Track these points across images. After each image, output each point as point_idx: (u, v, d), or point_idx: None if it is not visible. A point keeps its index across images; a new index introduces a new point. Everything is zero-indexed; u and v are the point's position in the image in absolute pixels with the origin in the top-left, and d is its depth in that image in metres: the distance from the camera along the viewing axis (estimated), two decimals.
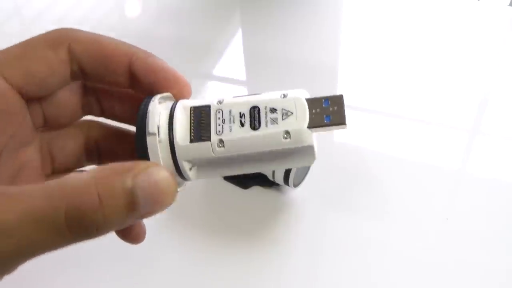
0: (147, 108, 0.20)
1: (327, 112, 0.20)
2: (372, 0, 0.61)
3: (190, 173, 0.20)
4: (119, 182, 0.17)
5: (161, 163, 0.20)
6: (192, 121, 0.20)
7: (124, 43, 0.23)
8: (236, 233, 0.38)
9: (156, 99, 0.21)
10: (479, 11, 0.59)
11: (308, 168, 0.39)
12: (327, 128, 0.20)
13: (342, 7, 0.63)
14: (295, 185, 0.39)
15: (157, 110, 0.20)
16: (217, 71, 0.54)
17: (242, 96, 0.21)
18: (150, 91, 0.22)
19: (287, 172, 0.37)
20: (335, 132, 0.46)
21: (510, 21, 0.58)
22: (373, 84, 0.50)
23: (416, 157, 0.43)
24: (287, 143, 0.20)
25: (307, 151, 0.20)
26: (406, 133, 0.46)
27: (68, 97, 0.23)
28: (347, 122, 0.20)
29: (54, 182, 0.17)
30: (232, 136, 0.20)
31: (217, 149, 0.20)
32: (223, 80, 0.54)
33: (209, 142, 0.20)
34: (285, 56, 0.53)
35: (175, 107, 0.21)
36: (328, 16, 0.60)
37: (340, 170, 0.42)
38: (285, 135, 0.20)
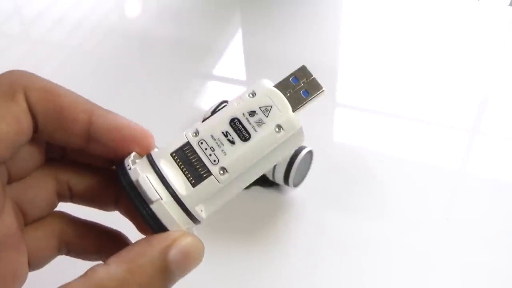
0: (129, 178, 0.19)
1: (301, 87, 0.21)
2: (372, 0, 0.61)
3: (203, 214, 0.20)
4: (155, 270, 0.18)
5: (178, 223, 0.19)
6: (182, 166, 0.19)
7: (81, 97, 0.20)
8: (236, 233, 0.38)
9: (131, 165, 0.19)
10: (479, 11, 0.59)
11: (308, 168, 0.39)
12: (309, 102, 0.20)
13: (342, 7, 0.63)
14: (295, 185, 0.39)
15: (143, 175, 0.19)
16: (217, 71, 0.54)
17: (211, 116, 0.20)
18: (108, 151, 0.20)
19: (287, 172, 0.37)
20: (335, 132, 0.46)
21: (510, 21, 0.58)
22: (373, 84, 0.50)
23: (416, 157, 0.43)
24: (282, 136, 0.20)
25: (298, 133, 0.20)
26: (406, 133, 0.46)
27: (31, 147, 0.20)
28: (323, 87, 0.21)
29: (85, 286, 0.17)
30: (230, 158, 0.19)
31: (221, 177, 0.19)
32: (223, 80, 0.54)
33: (212, 175, 0.19)
34: (285, 56, 0.53)
35: (154, 162, 0.19)
36: (328, 16, 0.60)
37: (340, 170, 0.42)
38: (277, 129, 0.20)
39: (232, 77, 0.54)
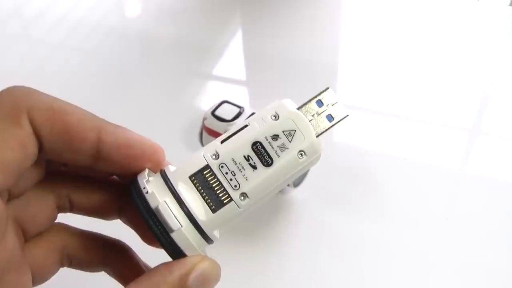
0: (147, 205, 0.18)
1: (325, 112, 0.20)
2: (372, 0, 0.61)
3: (217, 235, 0.20)
4: None
5: (196, 248, 0.19)
6: (201, 191, 0.19)
7: (89, 113, 0.19)
8: (236, 233, 0.38)
9: (147, 187, 0.19)
10: (479, 11, 0.59)
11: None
12: (332, 126, 0.20)
13: (342, 7, 0.63)
14: (295, 185, 0.39)
15: (162, 202, 0.18)
16: (217, 71, 0.54)
17: (232, 136, 0.20)
18: (117, 168, 0.20)
19: None
20: (335, 132, 0.46)
21: (510, 21, 0.58)
22: (373, 84, 0.50)
23: (416, 157, 0.43)
24: (304, 161, 0.20)
25: (317, 157, 0.20)
26: (406, 133, 0.45)
27: (32, 165, 0.19)
28: (347, 112, 0.20)
29: None
30: (252, 183, 0.19)
31: (242, 203, 0.19)
32: (223, 80, 0.54)
33: (232, 201, 0.19)
34: (285, 56, 0.53)
35: (171, 184, 0.19)
36: (328, 16, 0.60)
37: (340, 170, 0.42)
38: (300, 155, 0.19)
39: (232, 77, 0.54)
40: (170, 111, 0.48)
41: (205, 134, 0.40)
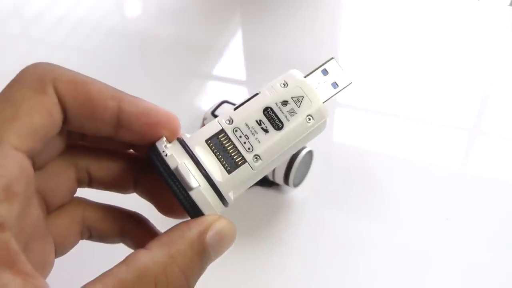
0: (167, 165, 0.19)
1: (330, 79, 0.22)
2: (372, 0, 0.61)
3: (232, 197, 0.21)
4: (194, 252, 0.19)
5: (214, 208, 0.20)
6: (217, 153, 0.20)
7: (109, 85, 0.20)
8: (236, 232, 0.38)
9: (166, 151, 0.20)
10: (479, 11, 0.59)
11: (308, 168, 0.39)
12: (338, 93, 0.22)
13: (342, 7, 0.63)
14: (295, 185, 0.39)
15: (181, 162, 0.19)
16: (217, 71, 0.54)
17: (244, 103, 0.21)
18: (136, 137, 0.21)
19: (287, 172, 0.37)
20: (335, 132, 0.46)
21: (510, 21, 0.58)
22: (373, 84, 0.50)
23: (416, 157, 0.43)
24: (312, 125, 0.21)
25: (324, 122, 0.21)
26: (406, 133, 0.46)
27: (55, 137, 0.20)
28: (351, 79, 0.22)
29: (129, 274, 0.17)
30: (264, 146, 0.20)
31: (255, 164, 0.20)
32: (223, 80, 0.54)
33: (246, 163, 0.20)
34: (285, 56, 0.53)
35: (189, 149, 0.20)
36: (328, 15, 0.60)
37: (340, 170, 0.42)
38: (308, 119, 0.21)
39: (232, 77, 0.54)
40: (170, 110, 0.48)
41: None
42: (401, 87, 0.50)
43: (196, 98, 0.52)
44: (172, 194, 0.19)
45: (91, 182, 0.23)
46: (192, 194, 0.19)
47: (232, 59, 0.55)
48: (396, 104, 0.48)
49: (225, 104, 0.41)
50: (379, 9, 0.60)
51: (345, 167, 0.42)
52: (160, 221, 0.23)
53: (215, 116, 0.40)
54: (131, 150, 0.23)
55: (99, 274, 0.18)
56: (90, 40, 0.58)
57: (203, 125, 0.41)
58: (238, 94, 0.52)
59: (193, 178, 0.19)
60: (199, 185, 0.19)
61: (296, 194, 0.40)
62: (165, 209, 0.23)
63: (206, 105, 0.43)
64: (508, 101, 0.48)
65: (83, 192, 0.23)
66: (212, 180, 0.20)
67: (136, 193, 0.23)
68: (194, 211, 0.20)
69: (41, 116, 0.18)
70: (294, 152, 0.22)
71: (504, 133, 0.45)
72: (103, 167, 0.22)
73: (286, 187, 0.39)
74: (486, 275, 0.35)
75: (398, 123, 0.47)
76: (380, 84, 0.50)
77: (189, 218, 0.20)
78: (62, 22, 0.60)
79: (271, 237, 0.38)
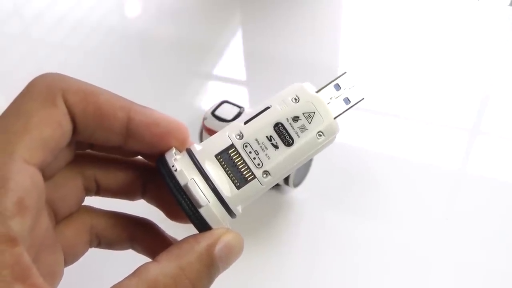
0: (176, 181, 0.19)
1: (343, 95, 0.22)
2: (372, 0, 0.61)
3: (240, 210, 0.21)
4: (202, 264, 0.19)
5: (222, 222, 0.20)
6: (226, 168, 0.20)
7: (117, 95, 0.20)
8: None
9: (176, 165, 0.20)
10: (479, 11, 0.59)
11: (308, 168, 0.39)
12: (349, 109, 0.22)
13: (342, 7, 0.63)
14: (295, 185, 0.39)
15: (191, 179, 0.19)
16: (217, 71, 0.54)
17: (255, 117, 0.21)
18: (145, 147, 0.21)
19: None
20: None
21: (510, 21, 0.58)
22: (373, 84, 0.50)
23: (416, 157, 0.43)
24: (322, 141, 0.21)
25: (334, 137, 0.21)
26: (406, 133, 0.46)
27: (65, 147, 0.20)
28: (364, 95, 0.22)
29: (139, 286, 0.18)
30: (274, 162, 0.20)
31: (264, 180, 0.20)
32: (223, 80, 0.54)
33: (256, 179, 0.20)
34: (285, 56, 0.53)
35: (198, 163, 0.20)
36: (328, 16, 0.60)
37: (340, 170, 0.42)
38: (319, 136, 0.21)
39: (232, 77, 0.54)
40: (170, 111, 0.47)
41: (205, 134, 0.40)
42: (401, 87, 0.50)
43: (196, 98, 0.52)
44: (181, 209, 0.19)
45: (99, 191, 0.23)
46: (202, 211, 0.19)
47: (232, 59, 0.55)
48: (396, 104, 0.48)
49: (225, 104, 0.40)
50: (379, 9, 0.60)
51: (345, 167, 0.42)
52: (168, 225, 0.23)
53: (215, 116, 0.40)
54: (138, 156, 0.23)
55: (108, 282, 0.18)
56: (90, 40, 0.58)
57: (203, 125, 0.41)
58: (238, 94, 0.52)
59: (203, 196, 0.19)
60: (209, 202, 0.19)
61: (296, 194, 0.40)
62: (173, 214, 0.23)
63: (206, 105, 0.43)
64: (508, 101, 0.48)
65: (91, 200, 0.23)
66: (221, 195, 0.20)
67: (144, 199, 0.23)
68: (203, 227, 0.20)
69: (51, 129, 0.18)
70: (301, 165, 0.22)
71: (504, 133, 0.45)
72: (110, 175, 0.22)
73: (286, 187, 0.39)
74: (486, 275, 0.35)
75: (398, 123, 0.47)
76: (380, 84, 0.50)
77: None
78: (62, 22, 0.60)
79: (271, 237, 0.38)
